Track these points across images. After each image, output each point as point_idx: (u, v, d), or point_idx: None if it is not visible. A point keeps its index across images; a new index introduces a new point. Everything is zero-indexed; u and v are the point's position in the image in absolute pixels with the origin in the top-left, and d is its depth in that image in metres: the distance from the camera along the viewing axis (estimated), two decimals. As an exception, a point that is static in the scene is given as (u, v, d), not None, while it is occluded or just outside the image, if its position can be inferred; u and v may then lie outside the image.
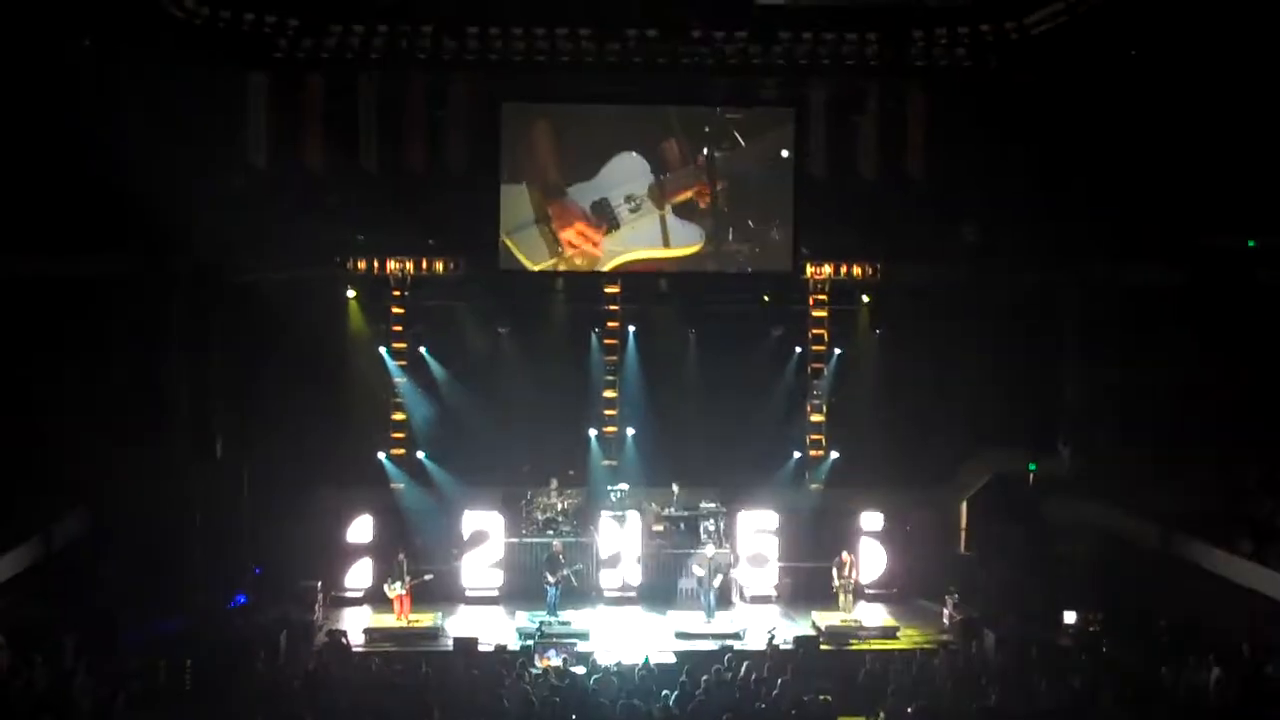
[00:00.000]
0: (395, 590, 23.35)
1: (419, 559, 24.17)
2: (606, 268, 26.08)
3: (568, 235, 25.79)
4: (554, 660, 19.85)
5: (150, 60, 22.90)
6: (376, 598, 24.20)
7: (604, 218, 25.79)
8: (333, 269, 25.97)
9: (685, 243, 25.93)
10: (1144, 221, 25.64)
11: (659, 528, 25.62)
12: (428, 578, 23.86)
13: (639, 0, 24.93)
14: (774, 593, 25.34)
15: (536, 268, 25.89)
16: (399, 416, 26.34)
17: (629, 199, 25.77)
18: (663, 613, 24.27)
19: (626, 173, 25.76)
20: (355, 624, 23.39)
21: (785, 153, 25.79)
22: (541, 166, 25.77)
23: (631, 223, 25.83)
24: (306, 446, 25.36)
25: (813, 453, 26.90)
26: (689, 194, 25.80)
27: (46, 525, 23.16)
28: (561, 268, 26.02)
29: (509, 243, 25.73)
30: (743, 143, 25.79)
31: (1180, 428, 24.90)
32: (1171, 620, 21.90)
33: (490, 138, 25.68)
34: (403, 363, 26.33)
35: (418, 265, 26.12)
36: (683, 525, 25.56)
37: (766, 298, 26.97)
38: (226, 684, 17.87)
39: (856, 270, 26.53)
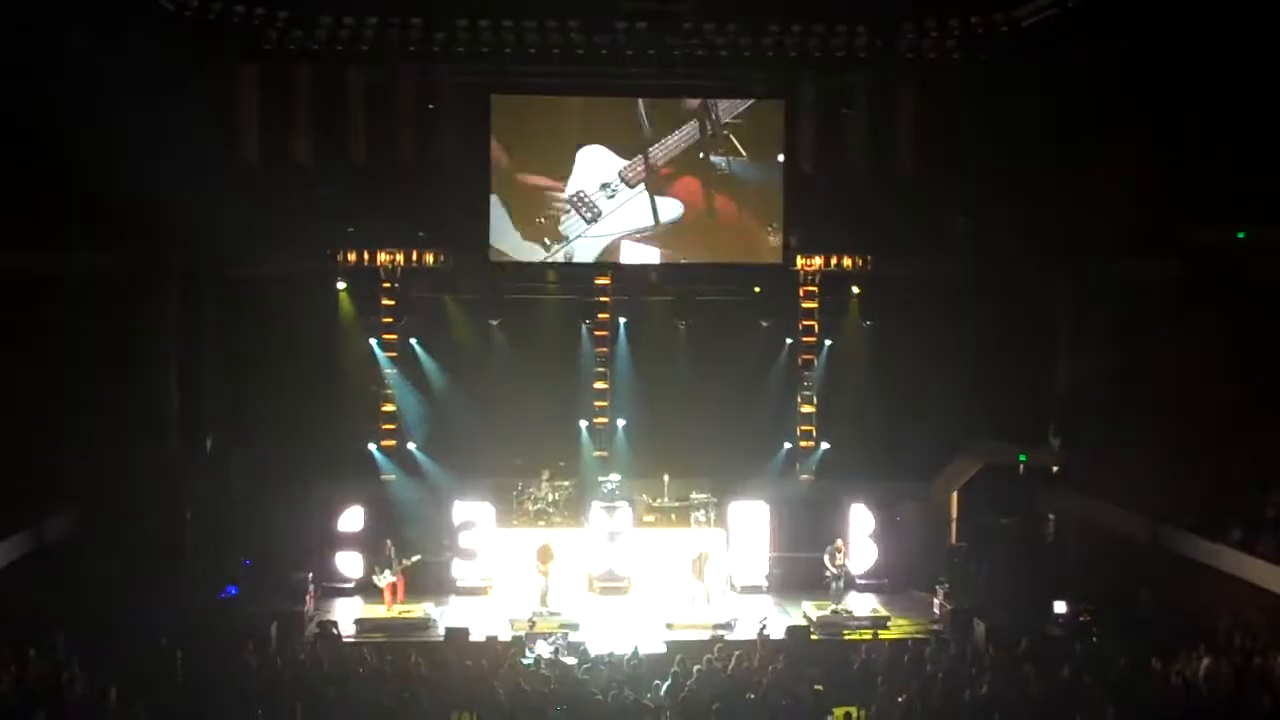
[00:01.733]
0: (385, 579, 23.35)
1: (410, 551, 24.13)
2: (597, 255, 26.15)
3: (551, 227, 26.02)
4: (546, 652, 19.82)
5: (139, 53, 22.77)
6: (367, 588, 24.21)
7: (584, 207, 25.85)
8: (323, 261, 25.98)
9: (671, 215, 26.12)
10: (1136, 214, 25.64)
11: (650, 518, 25.67)
12: (415, 558, 23.87)
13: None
14: (764, 583, 25.38)
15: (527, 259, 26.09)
16: (389, 408, 26.38)
17: (604, 186, 25.86)
18: (654, 603, 24.26)
19: (596, 163, 25.92)
20: (346, 615, 23.42)
21: (780, 157, 26.02)
22: (516, 173, 25.94)
23: (612, 209, 25.94)
24: (297, 438, 25.34)
25: (803, 444, 26.96)
26: (665, 170, 26.06)
27: (37, 518, 23.11)
28: (555, 259, 26.17)
29: (499, 247, 25.95)
30: (736, 143, 25.95)
31: (1170, 419, 24.93)
32: (1161, 610, 21.94)
33: (479, 130, 25.72)
34: (393, 354, 26.38)
35: (408, 257, 26.15)
36: (673, 515, 25.61)
37: (757, 289, 27.01)
38: (217, 676, 17.84)
39: (847, 262, 26.57)
